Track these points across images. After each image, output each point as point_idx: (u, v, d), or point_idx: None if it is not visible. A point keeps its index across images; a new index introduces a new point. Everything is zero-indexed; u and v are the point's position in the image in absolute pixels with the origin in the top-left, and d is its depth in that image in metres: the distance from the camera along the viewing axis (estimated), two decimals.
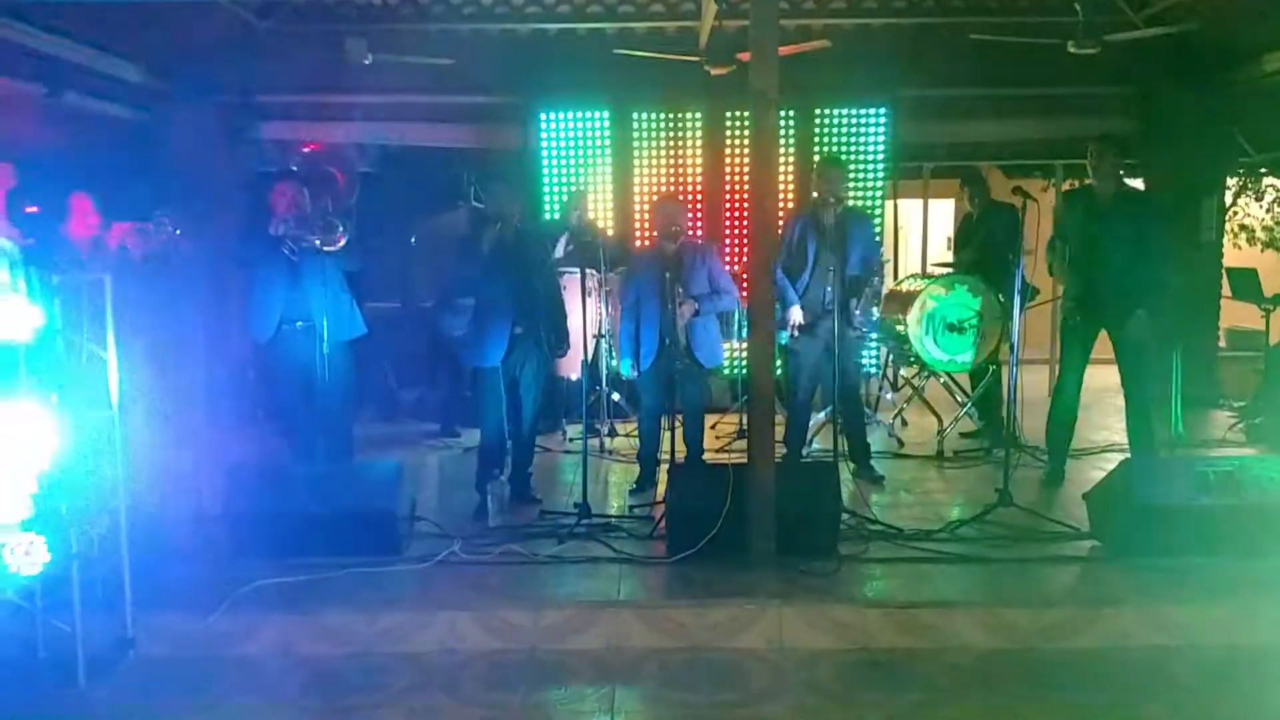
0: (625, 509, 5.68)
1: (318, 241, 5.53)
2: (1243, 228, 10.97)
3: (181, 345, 5.61)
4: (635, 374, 5.96)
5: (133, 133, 8.24)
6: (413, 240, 8.94)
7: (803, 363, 6.19)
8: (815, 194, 6.17)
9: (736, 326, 7.42)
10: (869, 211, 7.97)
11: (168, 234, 5.48)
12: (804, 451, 6.55)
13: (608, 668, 4.07)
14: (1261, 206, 11.05)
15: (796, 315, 6.09)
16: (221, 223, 7.95)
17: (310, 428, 5.95)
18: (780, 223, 6.33)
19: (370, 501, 4.90)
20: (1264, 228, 11.11)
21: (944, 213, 12.75)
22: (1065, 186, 10.09)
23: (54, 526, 3.74)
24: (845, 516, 5.05)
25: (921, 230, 10.84)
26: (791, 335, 6.15)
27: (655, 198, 7.66)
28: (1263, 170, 10.38)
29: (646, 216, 7.73)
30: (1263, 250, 10.97)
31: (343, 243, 5.59)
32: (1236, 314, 9.29)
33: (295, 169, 7.97)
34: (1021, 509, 5.36)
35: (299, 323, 5.74)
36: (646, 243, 7.78)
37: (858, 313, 6.14)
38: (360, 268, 5.96)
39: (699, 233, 8.32)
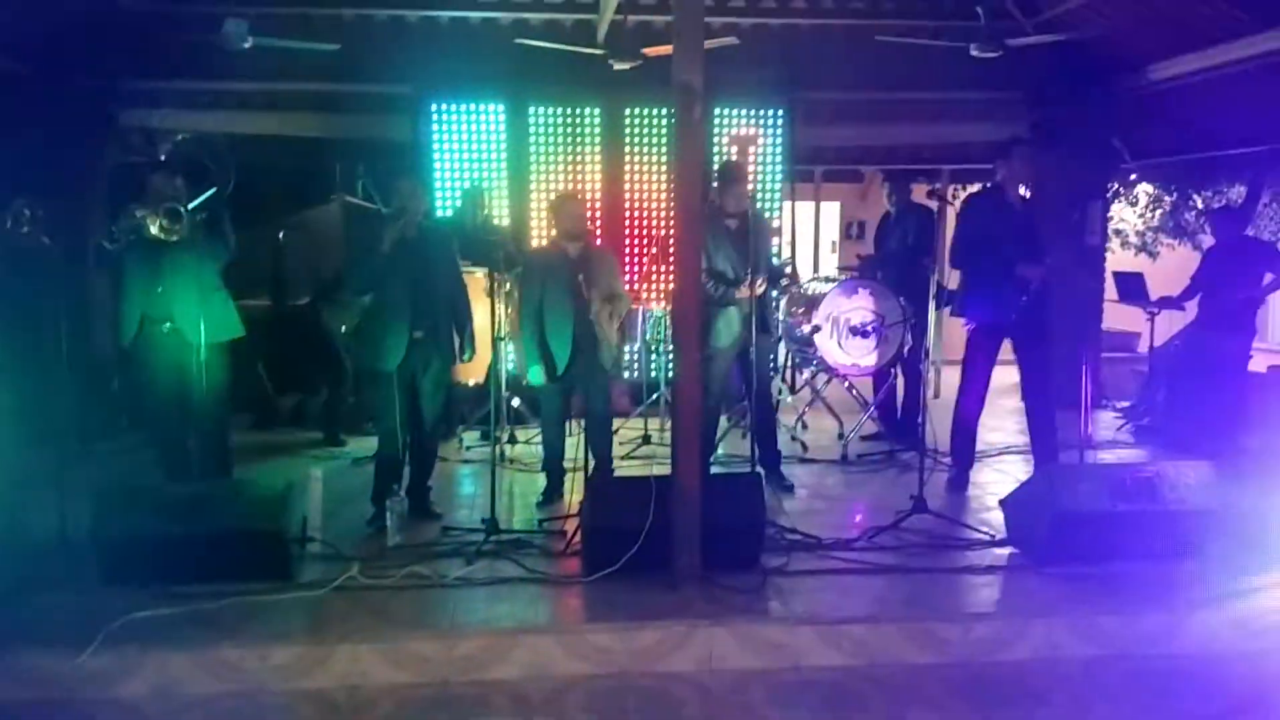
0: (534, 523, 5.40)
1: (154, 228, 5.05)
2: (1116, 232, 11.32)
3: (40, 351, 5.05)
4: (546, 381, 5.71)
5: None
6: (280, 235, 8.39)
7: (715, 368, 6.01)
8: (716, 200, 5.95)
9: (641, 329, 7.25)
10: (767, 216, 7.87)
11: (28, 225, 4.91)
12: (709, 457, 6.35)
13: (529, 700, 3.78)
14: (1135, 212, 11.43)
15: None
16: (83, 216, 7.36)
17: (183, 439, 5.49)
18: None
19: (256, 521, 4.48)
20: (1136, 232, 11.50)
21: (832, 215, 12.87)
22: (954, 191, 10.26)
23: None
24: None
25: (813, 233, 10.88)
26: None
27: (555, 196, 7.39)
28: (1133, 176, 10.73)
29: (546, 216, 7.48)
30: (1135, 254, 11.34)
31: (181, 230, 5.09)
32: (1110, 316, 9.56)
33: (165, 158, 7.45)
34: (936, 515, 5.30)
35: (165, 324, 5.27)
36: (544, 244, 7.52)
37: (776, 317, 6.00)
38: (227, 260, 5.48)
39: (598, 233, 8.10)
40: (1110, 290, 8.77)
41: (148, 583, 4.25)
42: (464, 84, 7.94)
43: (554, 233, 5.85)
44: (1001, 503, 5.09)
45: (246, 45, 6.55)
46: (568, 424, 6.05)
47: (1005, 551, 4.92)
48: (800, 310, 7.39)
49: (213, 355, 5.31)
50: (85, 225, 7.20)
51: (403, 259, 5.16)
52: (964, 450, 6.18)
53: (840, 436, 7.26)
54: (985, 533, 5.14)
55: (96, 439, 6.87)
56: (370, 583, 4.46)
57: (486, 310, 5.74)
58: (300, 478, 5.74)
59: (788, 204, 8.72)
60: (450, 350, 5.43)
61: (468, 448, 7.08)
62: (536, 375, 5.63)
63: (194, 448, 5.49)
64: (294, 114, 8.48)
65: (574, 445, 5.92)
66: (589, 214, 7.04)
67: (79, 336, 6.71)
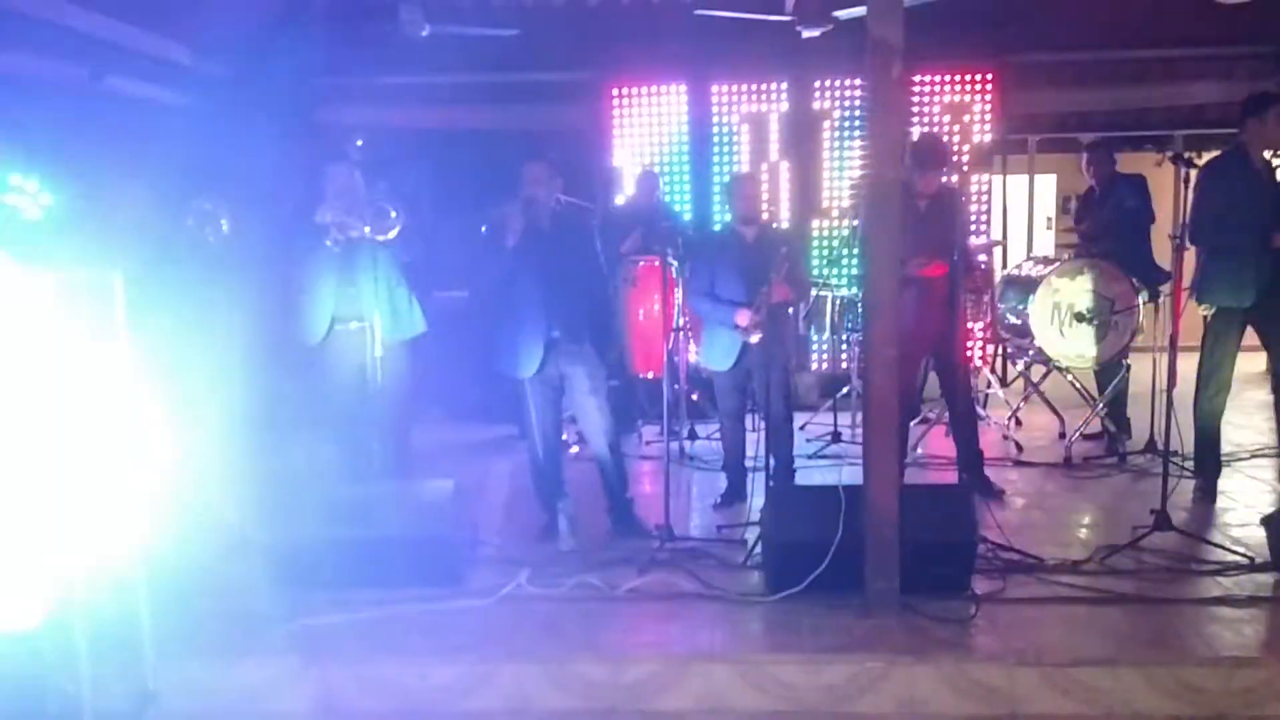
0: (712, 529, 5.00)
1: (368, 230, 4.91)
2: None
3: (222, 350, 5.06)
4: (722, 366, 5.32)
5: (183, 119, 7.79)
6: (484, 229, 8.34)
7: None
8: (908, 179, 5.31)
9: (831, 317, 6.74)
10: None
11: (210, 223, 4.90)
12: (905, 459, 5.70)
13: None
14: None
15: None
16: (277, 215, 7.48)
17: (365, 439, 5.38)
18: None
19: (424, 526, 4.30)
20: None
21: (1047, 189, 11.86)
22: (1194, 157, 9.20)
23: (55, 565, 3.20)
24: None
25: (1027, 209, 10.00)
26: None
27: (730, 177, 6.99)
28: None
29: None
30: None
31: (396, 231, 4.97)
32: None
33: (349, 152, 7.46)
34: (1182, 533, 4.57)
35: (352, 323, 5.15)
36: (718, 227, 7.15)
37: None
38: (415, 258, 5.34)
39: (787, 215, 7.66)
40: None
41: (317, 588, 4.12)
42: (644, 65, 7.65)
43: (728, 216, 5.43)
44: (1264, 520, 4.32)
45: (424, 33, 6.43)
46: (749, 419, 5.61)
47: (1268, 579, 4.16)
48: (1015, 295, 6.69)
49: (395, 353, 5.18)
50: (284, 223, 7.32)
51: (534, 253, 4.75)
52: (1207, 453, 5.37)
53: (1061, 436, 6.52)
54: (1240, 554, 4.38)
55: (296, 433, 6.96)
56: (539, 592, 4.19)
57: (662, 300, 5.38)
58: (477, 474, 5.61)
59: (998, 178, 8.00)
60: (598, 346, 4.95)
61: (647, 443, 6.76)
62: (715, 358, 5.25)
63: (375, 445, 5.40)
64: (478, 106, 8.41)
65: (756, 442, 5.50)
66: (769, 195, 6.59)
67: (280, 332, 6.80)
